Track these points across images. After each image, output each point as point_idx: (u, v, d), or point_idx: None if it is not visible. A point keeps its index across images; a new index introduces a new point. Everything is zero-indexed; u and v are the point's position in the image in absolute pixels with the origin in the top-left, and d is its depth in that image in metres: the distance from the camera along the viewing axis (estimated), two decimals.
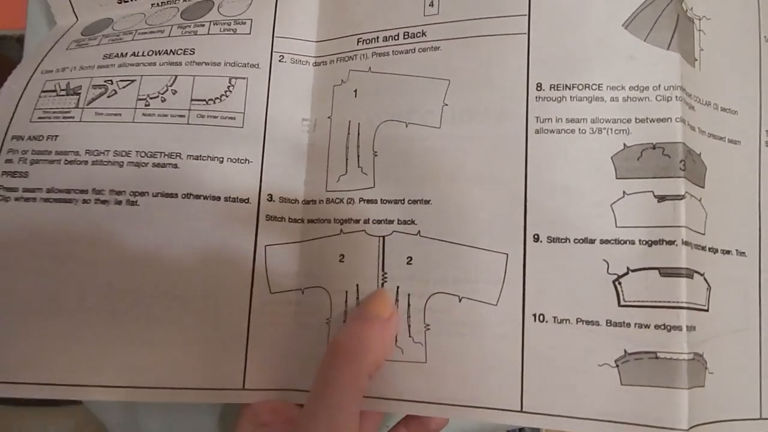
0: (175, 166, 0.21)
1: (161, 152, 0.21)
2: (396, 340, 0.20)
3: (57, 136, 0.21)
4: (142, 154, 0.21)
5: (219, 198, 0.21)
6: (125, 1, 0.23)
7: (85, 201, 0.21)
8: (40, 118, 0.22)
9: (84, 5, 0.24)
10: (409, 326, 0.20)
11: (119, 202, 0.21)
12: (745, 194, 0.20)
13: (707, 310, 0.18)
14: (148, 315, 0.20)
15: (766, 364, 0.20)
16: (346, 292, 0.21)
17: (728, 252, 0.19)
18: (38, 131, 0.21)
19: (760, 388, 0.20)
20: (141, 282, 0.20)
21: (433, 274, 0.20)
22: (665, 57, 0.18)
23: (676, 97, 0.18)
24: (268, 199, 0.21)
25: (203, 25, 0.23)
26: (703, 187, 0.19)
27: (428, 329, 0.20)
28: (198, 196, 0.21)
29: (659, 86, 0.18)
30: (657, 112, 0.18)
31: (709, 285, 0.19)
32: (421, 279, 0.20)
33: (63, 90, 0.22)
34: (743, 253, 0.20)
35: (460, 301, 0.20)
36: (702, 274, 0.18)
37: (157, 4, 0.23)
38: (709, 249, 0.19)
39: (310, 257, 0.21)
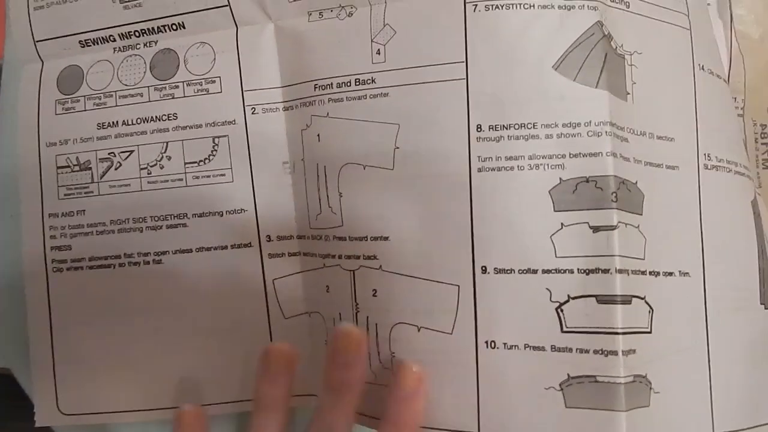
0: (185, 225, 0.24)
1: (171, 214, 0.24)
2: (370, 365, 0.22)
3: (84, 210, 0.25)
4: (156, 218, 0.25)
5: (226, 247, 0.24)
6: (87, 46, 0.25)
7: (120, 264, 0.25)
8: (65, 195, 0.25)
9: (48, 51, 0.26)
10: (379, 353, 0.22)
11: (147, 262, 0.25)
12: (686, 216, 0.21)
13: (650, 332, 0.19)
14: (194, 348, 0.24)
15: (716, 380, 0.21)
16: (334, 319, 0.23)
17: (671, 274, 0.20)
18: (68, 207, 0.25)
19: (711, 403, 0.20)
20: (183, 324, 0.24)
21: (394, 306, 0.21)
22: (594, 95, 0.19)
23: (606, 132, 0.19)
24: (267, 240, 0.24)
25: (177, 87, 0.25)
26: (641, 214, 0.20)
27: (394, 357, 0.22)
28: (209, 248, 0.24)
29: (590, 122, 0.19)
30: (589, 147, 0.19)
31: (651, 308, 0.20)
32: (385, 310, 0.22)
33: (76, 165, 0.25)
34: (687, 273, 0.21)
35: (419, 330, 0.21)
36: (642, 298, 0.19)
37: (120, 49, 0.25)
38: (650, 273, 0.20)
39: (308, 286, 0.24)
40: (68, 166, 0.25)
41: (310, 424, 0.21)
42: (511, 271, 0.20)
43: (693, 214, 0.21)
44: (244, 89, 0.24)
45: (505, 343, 0.20)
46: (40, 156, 0.25)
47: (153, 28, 0.25)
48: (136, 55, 0.25)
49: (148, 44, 0.25)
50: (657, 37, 0.21)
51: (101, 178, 0.25)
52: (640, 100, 0.20)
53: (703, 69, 0.22)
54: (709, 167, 0.22)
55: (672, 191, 0.21)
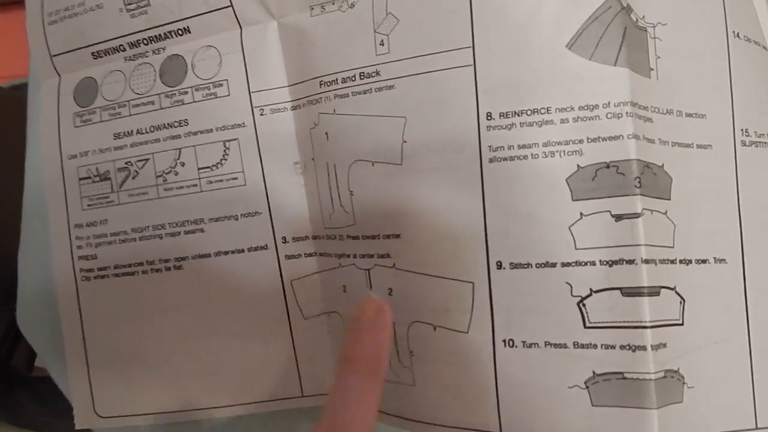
0: (202, 230, 0.25)
1: (188, 220, 0.25)
2: (390, 363, 0.22)
3: (106, 220, 0.26)
4: (174, 225, 0.25)
5: (243, 250, 0.24)
6: (99, 57, 0.26)
7: (143, 272, 0.25)
8: (89, 205, 0.26)
9: (64, 64, 0.27)
10: (398, 351, 0.22)
11: (168, 269, 0.25)
12: (722, 198, 0.19)
13: (682, 324, 0.18)
14: (218, 350, 0.25)
15: (759, 372, 0.19)
16: None
17: (704, 261, 0.19)
18: (91, 218, 0.26)
19: (753, 397, 0.19)
20: (206, 326, 0.25)
21: (410, 304, 0.21)
22: (613, 73, 0.18)
23: (627, 113, 0.18)
24: (283, 242, 0.24)
25: (187, 92, 0.25)
26: (669, 199, 0.18)
27: (413, 355, 0.21)
28: (226, 252, 0.25)
29: (609, 104, 0.18)
30: (608, 131, 0.18)
31: (682, 298, 0.18)
32: (401, 309, 0.21)
33: (96, 176, 0.26)
34: (723, 260, 0.19)
35: (434, 329, 0.21)
36: (672, 288, 0.18)
37: (130, 58, 0.26)
38: (680, 261, 0.18)
39: (326, 286, 0.24)
40: (89, 177, 0.26)
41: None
42: (528, 265, 0.19)
43: (730, 196, 0.19)
44: (251, 90, 0.24)
45: (524, 342, 0.19)
46: (62, 168, 0.26)
47: (160, 35, 0.25)
48: (146, 63, 0.25)
49: (156, 51, 0.25)
50: (684, 4, 0.19)
51: (120, 187, 0.26)
52: (665, 75, 0.19)
53: (738, 36, 0.20)
54: (747, 144, 0.20)
55: (705, 172, 0.19)
